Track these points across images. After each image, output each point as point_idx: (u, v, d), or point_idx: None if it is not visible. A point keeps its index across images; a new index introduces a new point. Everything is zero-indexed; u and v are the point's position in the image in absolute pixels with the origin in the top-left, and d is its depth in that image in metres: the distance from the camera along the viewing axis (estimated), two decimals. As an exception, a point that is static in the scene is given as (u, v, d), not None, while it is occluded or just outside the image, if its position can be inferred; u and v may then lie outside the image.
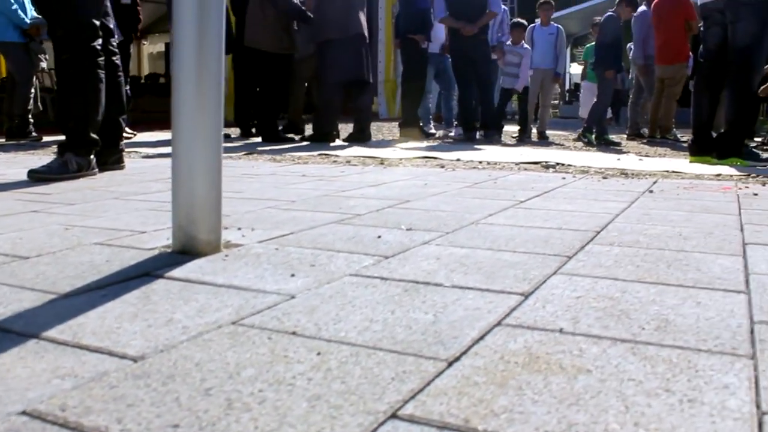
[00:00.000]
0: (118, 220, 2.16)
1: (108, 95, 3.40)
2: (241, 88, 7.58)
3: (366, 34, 6.76)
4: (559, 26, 8.86)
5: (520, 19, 8.71)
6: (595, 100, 7.88)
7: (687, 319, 1.15)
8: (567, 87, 19.08)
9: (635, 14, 8.54)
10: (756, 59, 4.60)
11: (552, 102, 9.73)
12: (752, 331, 1.08)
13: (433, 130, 8.46)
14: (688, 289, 1.34)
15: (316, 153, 5.15)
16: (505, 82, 8.21)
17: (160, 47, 18.04)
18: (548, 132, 8.38)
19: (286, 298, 1.28)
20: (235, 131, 7.79)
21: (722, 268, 1.52)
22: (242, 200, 2.62)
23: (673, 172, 3.89)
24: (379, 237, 1.89)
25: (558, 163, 4.19)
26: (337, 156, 4.92)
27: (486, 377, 0.88)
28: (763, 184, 3.31)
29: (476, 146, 6.35)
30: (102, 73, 3.33)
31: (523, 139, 8.00)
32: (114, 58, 3.60)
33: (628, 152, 6.07)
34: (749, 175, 3.78)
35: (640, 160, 4.96)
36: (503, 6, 8.74)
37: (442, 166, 4.09)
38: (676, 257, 1.64)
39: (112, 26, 3.63)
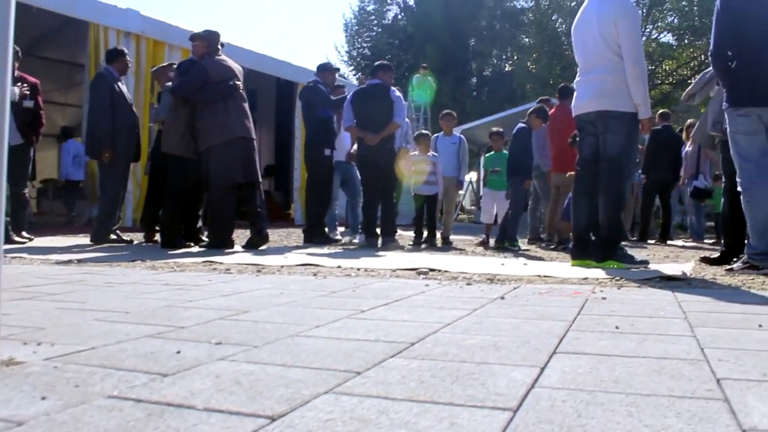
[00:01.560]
0: None
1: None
2: (153, 193, 7.46)
3: (253, 136, 6.77)
4: (461, 136, 9.14)
5: (424, 131, 8.94)
6: (510, 209, 8.01)
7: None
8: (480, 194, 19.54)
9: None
10: (625, 167, 4.78)
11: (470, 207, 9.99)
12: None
13: (338, 236, 8.45)
14: (453, 408, 1.27)
15: (201, 260, 5.02)
16: (424, 190, 8.29)
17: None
18: (455, 237, 8.45)
19: (11, 426, 1.16)
20: (140, 237, 7.63)
21: (509, 383, 1.46)
22: (77, 311, 2.49)
23: (544, 276, 3.90)
24: (179, 352, 1.78)
25: (433, 270, 4.17)
26: (220, 263, 4.80)
27: None
28: (619, 288, 3.34)
29: (377, 253, 6.32)
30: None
31: (431, 243, 8.04)
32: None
33: (520, 257, 6.13)
34: (614, 278, 3.82)
35: (525, 264, 4.99)
36: (407, 119, 9.00)
37: (315, 274, 4.02)
38: (471, 371, 1.57)
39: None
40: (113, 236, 7.12)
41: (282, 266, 4.55)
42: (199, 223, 7.15)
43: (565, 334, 2.03)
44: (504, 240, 7.77)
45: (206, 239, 6.84)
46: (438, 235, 8.56)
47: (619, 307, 2.65)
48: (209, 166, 6.49)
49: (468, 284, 3.45)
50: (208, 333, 2.08)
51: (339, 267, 4.47)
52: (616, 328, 2.14)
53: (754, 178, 4.49)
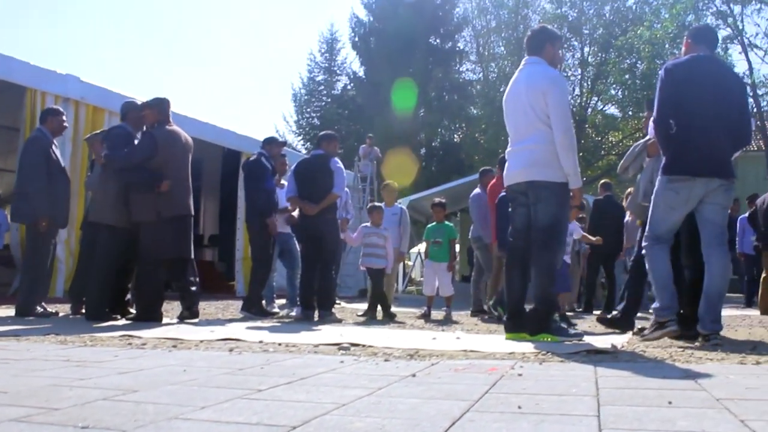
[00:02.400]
0: None
1: None
2: (84, 263, 7.20)
3: (191, 212, 6.62)
4: (403, 207, 9.11)
5: (376, 203, 8.89)
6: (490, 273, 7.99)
7: None
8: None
9: (471, 195, 8.92)
10: (557, 237, 4.74)
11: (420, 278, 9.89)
12: None
13: (276, 309, 8.24)
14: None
15: (120, 334, 4.79)
16: (372, 263, 8.17)
17: None
18: (400, 309, 8.32)
19: None
20: (68, 309, 7.33)
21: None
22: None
23: (469, 351, 3.78)
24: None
25: (356, 345, 4.02)
26: (138, 337, 4.58)
27: None
28: (541, 363, 3.23)
29: (314, 326, 6.15)
30: None
31: (371, 316, 7.90)
32: None
33: (455, 330, 6.01)
34: (540, 352, 3.72)
35: (458, 339, 4.86)
36: (347, 189, 8.95)
37: (231, 350, 3.83)
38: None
39: None
40: (39, 308, 6.80)
41: (201, 341, 4.36)
42: (128, 296, 6.91)
43: (462, 415, 1.91)
44: (500, 306, 7.50)
45: (135, 312, 6.60)
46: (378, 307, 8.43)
47: (532, 384, 2.53)
48: (140, 240, 6.31)
49: (385, 360, 3.31)
50: (81, 416, 1.91)
51: (261, 342, 4.29)
52: (519, 408, 2.02)
53: (653, 244, 4.67)
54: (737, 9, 24.50)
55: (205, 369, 2.96)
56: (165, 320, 6.28)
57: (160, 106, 6.58)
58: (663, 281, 4.64)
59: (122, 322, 6.20)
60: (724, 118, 4.56)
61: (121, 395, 2.25)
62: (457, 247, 21.97)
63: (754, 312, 10.30)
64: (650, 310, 4.81)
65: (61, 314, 7.00)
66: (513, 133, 5.02)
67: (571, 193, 4.78)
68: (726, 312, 10.04)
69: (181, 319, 6.36)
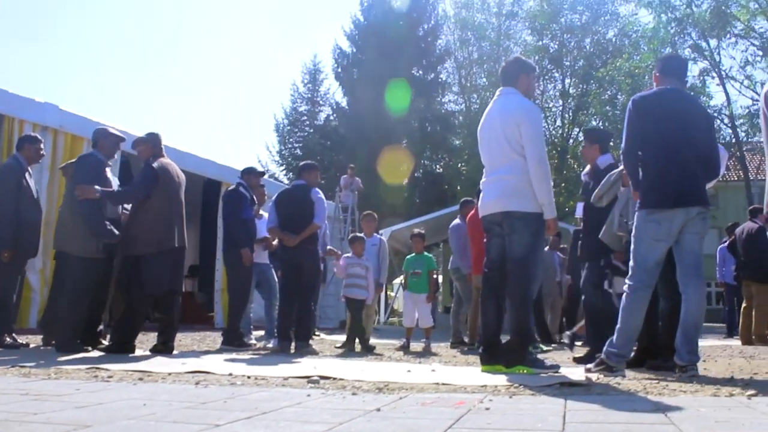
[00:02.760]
0: None
1: None
2: (55, 294, 7.07)
3: (184, 245, 6.58)
4: (382, 237, 9.07)
5: (359, 234, 8.84)
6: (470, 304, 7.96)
7: None
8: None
9: (451, 226, 8.90)
10: (532, 268, 4.70)
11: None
12: None
13: (253, 341, 8.13)
14: None
15: (86, 366, 4.68)
16: (354, 293, 8.10)
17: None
18: (381, 341, 8.24)
19: None
20: (39, 340, 7.19)
21: None
22: None
23: (441, 384, 3.72)
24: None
25: (326, 378, 3.95)
26: (106, 370, 4.47)
27: None
28: (511, 396, 3.17)
29: (292, 359, 6.06)
30: None
31: (350, 348, 7.81)
32: None
33: (432, 362, 5.94)
34: (512, 385, 3.66)
35: (433, 371, 4.79)
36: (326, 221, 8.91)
37: (198, 383, 3.75)
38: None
39: None
40: (9, 339, 6.66)
41: (169, 374, 4.26)
42: (101, 327, 6.79)
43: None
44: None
45: (107, 343, 6.48)
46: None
47: (499, 418, 2.48)
48: (138, 273, 6.27)
49: (353, 394, 3.24)
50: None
51: (230, 374, 4.20)
52: (481, 443, 1.96)
53: (640, 286, 4.53)
54: (713, 42, 24.92)
55: (166, 403, 2.88)
56: (138, 352, 6.17)
57: (154, 140, 6.64)
58: (631, 331, 4.56)
59: (93, 354, 6.07)
60: (693, 149, 4.57)
61: (72, 431, 2.17)
62: (440, 278, 22.02)
63: (736, 342, 10.31)
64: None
65: (32, 345, 6.86)
66: (487, 164, 5.02)
67: (546, 224, 4.77)
68: (707, 342, 10.09)
69: (154, 351, 6.25)
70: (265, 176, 23.15)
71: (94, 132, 6.78)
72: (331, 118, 33.61)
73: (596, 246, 5.77)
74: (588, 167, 6.33)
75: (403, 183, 29.05)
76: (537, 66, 29.77)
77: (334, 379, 3.94)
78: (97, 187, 6.27)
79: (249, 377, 4.05)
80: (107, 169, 6.65)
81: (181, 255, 6.60)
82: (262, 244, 8.17)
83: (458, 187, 27.67)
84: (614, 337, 4.58)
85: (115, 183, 6.83)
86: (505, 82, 5.07)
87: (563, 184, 29.42)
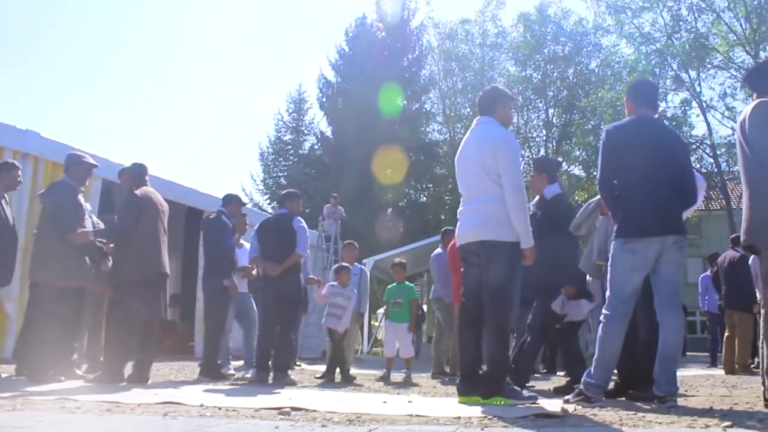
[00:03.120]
0: None
1: None
2: (28, 323, 6.95)
3: (167, 271, 6.54)
4: (363, 267, 9.03)
5: (344, 264, 8.78)
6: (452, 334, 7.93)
7: None
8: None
9: (432, 255, 8.87)
10: (509, 299, 4.66)
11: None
12: None
13: (231, 371, 8.02)
14: None
15: (54, 398, 4.57)
16: (333, 323, 8.04)
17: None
18: (362, 371, 8.16)
19: None
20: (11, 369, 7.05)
21: None
22: None
23: (415, 415, 3.66)
24: None
25: (298, 409, 3.88)
26: (75, 400, 4.38)
27: None
28: (483, 429, 3.12)
29: (266, 389, 5.97)
30: None
31: (329, 378, 7.72)
32: None
33: (411, 393, 5.87)
34: (486, 417, 3.62)
35: (410, 402, 4.72)
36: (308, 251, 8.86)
37: (165, 414, 3.67)
38: None
39: None
40: (-20, 370, 6.55)
41: (139, 404, 4.18)
42: (75, 356, 6.70)
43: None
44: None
45: (81, 373, 6.40)
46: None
47: (467, 451, 2.42)
48: (123, 300, 6.24)
49: (322, 426, 3.18)
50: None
51: (201, 405, 4.12)
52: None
53: (616, 316, 4.53)
54: (693, 73, 25.24)
55: (128, 435, 2.81)
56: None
57: (138, 171, 6.73)
58: (608, 361, 4.56)
59: (65, 384, 5.97)
60: (668, 177, 4.58)
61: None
62: (425, 308, 21.90)
63: (719, 371, 10.28)
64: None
65: (4, 375, 6.73)
66: (465, 193, 5.00)
67: (523, 253, 4.74)
68: (691, 372, 10.06)
69: (130, 382, 6.16)
70: (249, 205, 23.10)
71: (66, 158, 6.74)
72: (316, 147, 33.63)
73: (547, 281, 5.80)
74: (537, 197, 6.31)
75: (387, 212, 29.11)
76: (520, 96, 30.10)
77: (307, 410, 3.88)
78: (88, 229, 6.43)
79: (220, 408, 3.98)
80: (80, 196, 6.60)
81: (164, 282, 6.58)
82: (242, 273, 8.11)
83: (442, 216, 27.70)
84: (592, 367, 4.56)
85: (87, 207, 6.77)
86: (482, 111, 5.08)
87: (547, 214, 29.46)
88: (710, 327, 13.08)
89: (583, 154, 28.87)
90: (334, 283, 8.14)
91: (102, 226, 7.17)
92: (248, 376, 7.64)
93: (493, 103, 5.04)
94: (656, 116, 5.14)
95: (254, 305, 8.34)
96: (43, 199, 7.30)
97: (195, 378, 7.26)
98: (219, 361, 7.68)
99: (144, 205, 6.46)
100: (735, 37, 24.56)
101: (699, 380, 7.97)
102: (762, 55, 22.63)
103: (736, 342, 9.63)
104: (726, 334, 10.05)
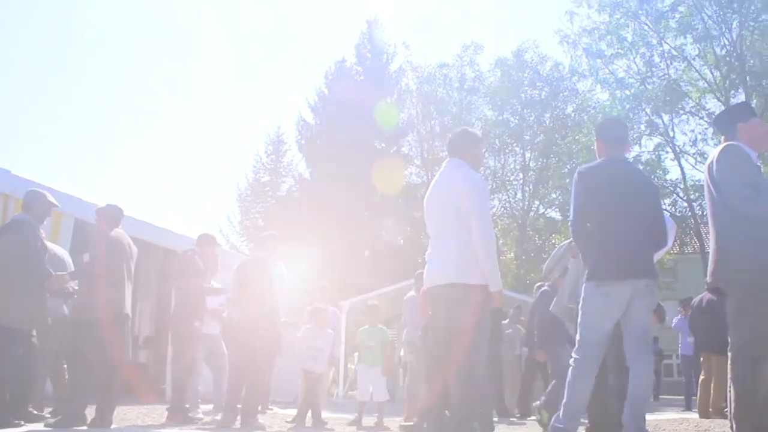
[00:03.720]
0: None
1: None
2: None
3: (129, 312, 6.48)
4: (335, 310, 9.00)
5: (320, 305, 8.73)
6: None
7: None
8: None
9: (405, 298, 8.82)
10: (477, 340, 4.61)
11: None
12: None
13: (200, 414, 7.86)
14: None
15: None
16: (312, 366, 7.96)
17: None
18: (335, 415, 8.07)
19: None
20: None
21: None
22: None
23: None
24: None
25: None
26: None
27: None
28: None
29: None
30: None
31: (300, 422, 7.63)
32: None
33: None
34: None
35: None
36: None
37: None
38: None
39: None
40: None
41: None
42: (39, 398, 6.57)
43: None
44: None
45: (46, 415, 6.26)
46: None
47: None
48: (85, 340, 6.18)
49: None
50: None
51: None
52: None
53: (586, 359, 4.52)
54: (667, 118, 25.67)
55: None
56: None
57: (113, 213, 6.72)
58: (577, 405, 4.53)
59: (23, 429, 5.82)
60: (639, 220, 4.60)
61: None
62: (402, 351, 21.76)
63: (694, 415, 10.25)
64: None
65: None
66: (433, 234, 4.98)
67: (492, 296, 4.71)
68: (665, 416, 10.02)
69: (92, 426, 6.02)
70: (226, 246, 22.88)
71: (27, 194, 6.59)
72: (294, 189, 33.62)
73: None
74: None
75: (364, 254, 29.04)
76: (497, 140, 30.33)
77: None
78: (64, 274, 6.48)
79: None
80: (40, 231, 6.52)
81: (126, 323, 6.49)
82: (212, 315, 8.01)
83: (419, 260, 27.67)
84: (560, 411, 4.51)
85: (48, 244, 6.67)
86: (452, 154, 5.08)
87: (524, 257, 29.62)
88: (683, 370, 13.08)
89: (560, 197, 29.08)
90: (310, 325, 8.10)
91: (67, 260, 7.07)
92: (217, 418, 7.50)
93: (463, 146, 5.05)
94: (627, 154, 5.18)
95: (224, 348, 8.22)
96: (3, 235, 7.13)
97: (162, 422, 7.11)
98: (187, 405, 7.55)
99: (115, 248, 6.46)
100: (706, 84, 25.06)
101: (672, 424, 7.94)
102: (732, 101, 23.06)
103: (712, 385, 9.59)
104: (702, 377, 10.02)
